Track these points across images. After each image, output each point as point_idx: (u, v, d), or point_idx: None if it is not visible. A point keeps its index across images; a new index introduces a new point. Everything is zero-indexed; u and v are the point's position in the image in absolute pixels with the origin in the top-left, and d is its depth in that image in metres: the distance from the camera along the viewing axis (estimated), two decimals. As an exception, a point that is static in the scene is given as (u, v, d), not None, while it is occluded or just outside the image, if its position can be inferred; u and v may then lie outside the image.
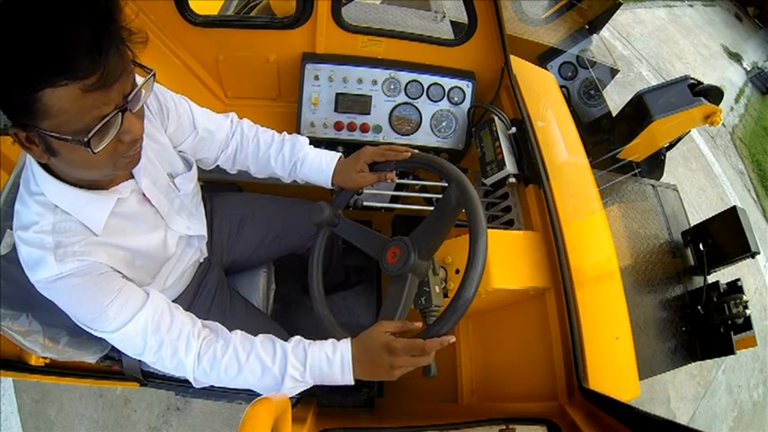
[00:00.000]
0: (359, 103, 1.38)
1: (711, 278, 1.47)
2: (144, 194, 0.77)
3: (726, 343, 1.36)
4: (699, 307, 1.43)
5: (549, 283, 0.96)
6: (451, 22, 1.67)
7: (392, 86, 1.38)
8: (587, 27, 2.00)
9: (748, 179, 3.82)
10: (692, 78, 1.64)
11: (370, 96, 1.38)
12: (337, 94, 1.37)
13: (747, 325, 1.33)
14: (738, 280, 1.38)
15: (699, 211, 3.11)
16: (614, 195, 1.58)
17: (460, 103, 1.39)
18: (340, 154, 0.98)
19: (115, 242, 0.71)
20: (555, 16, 2.01)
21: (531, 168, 1.10)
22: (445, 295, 0.89)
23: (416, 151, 0.92)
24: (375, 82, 1.37)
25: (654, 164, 1.85)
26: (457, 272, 0.93)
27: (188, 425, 1.72)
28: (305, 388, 0.75)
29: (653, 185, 1.69)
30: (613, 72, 1.95)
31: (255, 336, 0.77)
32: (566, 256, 0.94)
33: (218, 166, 1.01)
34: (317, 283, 0.92)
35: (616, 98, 3.22)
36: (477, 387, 1.14)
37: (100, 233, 0.68)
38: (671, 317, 1.44)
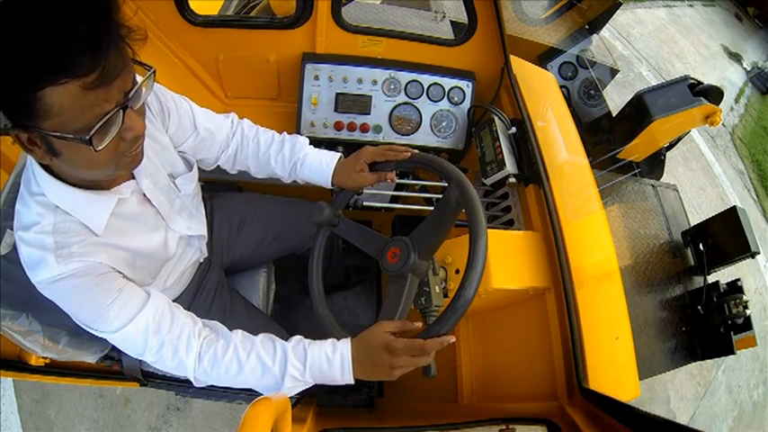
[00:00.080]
0: (359, 103, 1.38)
1: (711, 278, 1.47)
2: (145, 195, 0.77)
3: (726, 343, 1.36)
4: (699, 307, 1.43)
5: (549, 283, 0.96)
6: (451, 22, 1.67)
7: (392, 86, 1.38)
8: (587, 27, 2.00)
9: (748, 179, 3.82)
10: (692, 78, 1.64)
11: (370, 96, 1.38)
12: (337, 94, 1.37)
13: (747, 325, 1.33)
14: (738, 280, 1.38)
15: (699, 211, 3.11)
16: (614, 195, 1.58)
17: (460, 103, 1.39)
18: (340, 154, 0.98)
19: (116, 242, 0.71)
20: (555, 16, 2.01)
21: (531, 168, 1.10)
22: (445, 295, 0.89)
23: (416, 151, 0.92)
24: (375, 82, 1.37)
25: (654, 164, 1.85)
26: (457, 272, 0.93)
27: (188, 425, 1.72)
28: (305, 387, 0.75)
29: (653, 185, 1.69)
30: (613, 72, 1.95)
31: (256, 335, 0.77)
32: (566, 256, 0.94)
33: (218, 166, 1.01)
34: (317, 283, 0.92)
35: (616, 98, 3.22)
36: (477, 387, 1.14)
37: (101, 233, 0.68)
38: (671, 317, 1.44)
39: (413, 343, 0.70)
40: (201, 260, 1.05)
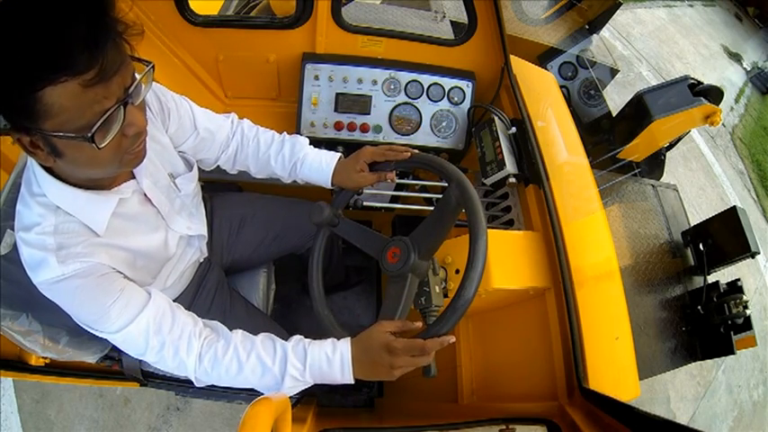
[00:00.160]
0: (359, 103, 1.38)
1: (711, 278, 1.47)
2: (145, 195, 0.77)
3: (726, 343, 1.36)
4: (699, 307, 1.43)
5: (549, 283, 0.96)
6: (451, 22, 1.67)
7: (392, 86, 1.38)
8: (587, 27, 2.00)
9: (748, 179, 3.82)
10: (692, 78, 1.64)
11: (370, 96, 1.38)
12: (337, 94, 1.37)
13: (747, 325, 1.33)
14: (738, 280, 1.38)
15: (699, 211, 3.11)
16: (614, 195, 1.58)
17: (460, 103, 1.39)
18: (340, 154, 0.98)
19: (117, 243, 0.71)
20: (555, 16, 2.01)
21: (531, 168, 1.10)
22: (445, 295, 0.89)
23: (416, 151, 0.92)
24: (375, 82, 1.37)
25: (654, 164, 1.85)
26: (457, 272, 0.93)
27: (188, 425, 1.72)
28: (305, 387, 0.75)
29: (653, 185, 1.69)
30: (613, 72, 1.95)
31: (256, 335, 0.77)
32: (566, 256, 0.94)
33: (218, 166, 1.01)
34: (317, 283, 0.92)
35: (616, 98, 3.22)
36: (477, 387, 1.14)
37: (102, 234, 0.68)
38: (671, 317, 1.44)
39: (413, 343, 0.70)
40: (201, 260, 1.05)
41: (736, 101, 4.62)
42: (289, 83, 1.44)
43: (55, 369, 1.15)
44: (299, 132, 1.39)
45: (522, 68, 1.32)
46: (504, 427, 0.80)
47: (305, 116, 1.38)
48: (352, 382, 0.74)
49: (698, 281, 1.52)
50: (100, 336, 0.69)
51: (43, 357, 1.08)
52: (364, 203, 1.23)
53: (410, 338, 0.72)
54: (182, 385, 1.15)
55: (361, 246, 0.88)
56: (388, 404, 1.49)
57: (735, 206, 1.46)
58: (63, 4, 0.48)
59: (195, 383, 0.75)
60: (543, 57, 1.95)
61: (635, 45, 4.41)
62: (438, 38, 1.37)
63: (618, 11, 2.00)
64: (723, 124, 4.13)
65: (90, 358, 1.04)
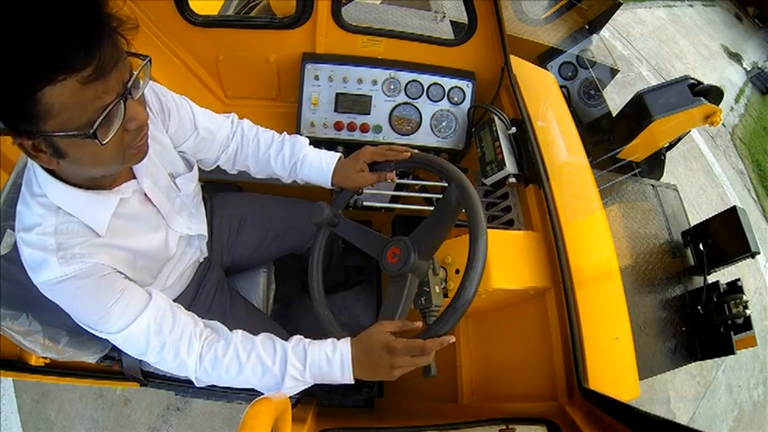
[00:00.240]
0: (359, 103, 1.38)
1: (711, 278, 1.47)
2: (145, 194, 0.77)
3: (726, 343, 1.36)
4: (699, 307, 1.43)
5: (549, 283, 0.96)
6: (451, 22, 1.67)
7: (392, 86, 1.38)
8: (587, 27, 2.00)
9: (748, 179, 3.82)
10: (692, 78, 1.64)
11: (370, 96, 1.38)
12: (337, 94, 1.37)
13: (747, 325, 1.33)
14: (738, 280, 1.38)
15: (699, 211, 3.11)
16: (614, 195, 1.58)
17: (460, 103, 1.39)
18: (340, 154, 0.98)
19: (117, 243, 0.71)
20: (555, 16, 2.01)
21: (531, 168, 1.10)
22: (445, 295, 0.89)
23: (416, 151, 0.92)
24: (375, 82, 1.37)
25: (654, 164, 1.85)
26: (457, 272, 0.93)
27: (188, 425, 1.72)
28: (305, 387, 0.75)
29: (653, 185, 1.69)
30: (613, 72, 1.95)
31: (256, 335, 0.77)
32: (566, 256, 0.94)
33: (218, 166, 1.01)
34: (317, 283, 0.92)
35: (616, 98, 3.22)
36: (477, 387, 1.14)
37: (103, 234, 0.68)
38: (671, 317, 1.44)
39: (413, 343, 0.70)
40: (201, 260, 1.05)
41: (736, 101, 4.62)
42: (289, 83, 1.44)
43: (55, 369, 1.15)
44: (299, 132, 1.39)
45: (522, 68, 1.32)
46: (504, 427, 0.80)
47: (305, 116, 1.38)
48: (352, 382, 0.74)
49: (698, 281, 1.52)
50: (100, 336, 0.69)
51: (43, 357, 1.08)
52: (364, 203, 1.23)
53: (410, 338, 0.72)
54: (182, 385, 1.15)
55: (361, 246, 0.88)
56: (388, 404, 1.49)
57: (735, 206, 1.46)
58: (56, 1, 0.47)
59: (196, 383, 0.75)
60: (543, 57, 1.95)
61: (635, 45, 4.41)
62: (438, 38, 1.37)
63: (618, 11, 2.00)
64: (723, 124, 4.13)
65: (90, 358, 1.04)
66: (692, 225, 1.63)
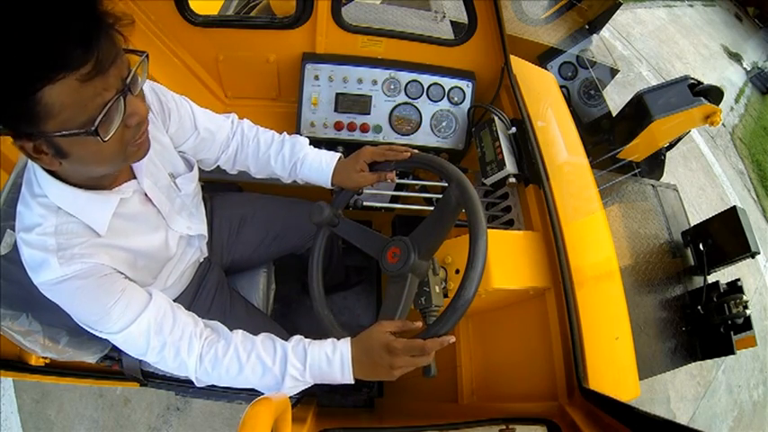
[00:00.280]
0: (359, 103, 1.38)
1: (711, 278, 1.47)
2: (146, 194, 0.77)
3: (726, 343, 1.36)
4: (699, 307, 1.43)
5: (549, 283, 0.96)
6: (451, 22, 1.67)
7: (392, 86, 1.38)
8: (587, 27, 2.00)
9: (748, 179, 3.82)
10: (692, 78, 1.64)
11: (370, 96, 1.38)
12: (337, 94, 1.37)
13: (747, 325, 1.33)
14: (738, 280, 1.38)
15: (699, 211, 3.11)
16: (614, 195, 1.58)
17: (460, 103, 1.39)
18: (340, 154, 0.98)
19: (118, 243, 0.71)
20: (555, 16, 2.01)
21: (531, 168, 1.10)
22: (445, 295, 0.89)
23: (416, 151, 0.92)
24: (375, 82, 1.37)
25: (654, 164, 1.85)
26: (457, 272, 0.93)
27: (188, 425, 1.72)
28: (305, 387, 0.75)
29: (653, 185, 1.69)
30: (613, 72, 1.95)
31: (256, 335, 0.77)
32: (566, 256, 0.94)
33: (218, 166, 1.01)
34: (317, 283, 0.92)
35: (616, 98, 3.22)
36: (477, 387, 1.14)
37: (104, 234, 0.68)
38: (671, 317, 1.44)
39: (413, 343, 0.70)
40: (201, 260, 1.05)
41: (736, 101, 4.62)
42: (289, 83, 1.44)
43: (55, 369, 1.15)
44: (298, 132, 1.39)
45: (522, 68, 1.32)
46: (504, 427, 0.80)
47: (305, 116, 1.38)
48: (352, 382, 0.74)
49: (698, 281, 1.52)
50: (101, 336, 0.69)
51: (43, 357, 1.08)
52: (364, 203, 1.23)
53: (410, 338, 0.72)
54: (182, 385, 1.15)
55: (361, 246, 0.88)
56: (388, 404, 1.49)
57: (735, 206, 1.46)
58: (52, 1, 0.47)
59: (196, 384, 0.75)
60: (543, 57, 1.95)
61: (635, 45, 4.41)
62: (438, 38, 1.37)
63: (618, 11, 2.00)
64: (723, 124, 4.13)
65: (90, 358, 1.04)
66: (691, 225, 1.63)
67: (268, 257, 1.26)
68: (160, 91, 0.81)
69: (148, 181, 0.77)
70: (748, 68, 5.09)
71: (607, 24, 2.04)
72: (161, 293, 0.74)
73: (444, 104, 1.39)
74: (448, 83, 1.38)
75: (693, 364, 1.46)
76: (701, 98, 1.58)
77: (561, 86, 1.74)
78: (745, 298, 1.33)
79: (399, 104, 1.39)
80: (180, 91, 0.87)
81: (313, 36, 1.33)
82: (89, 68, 0.50)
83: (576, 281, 0.92)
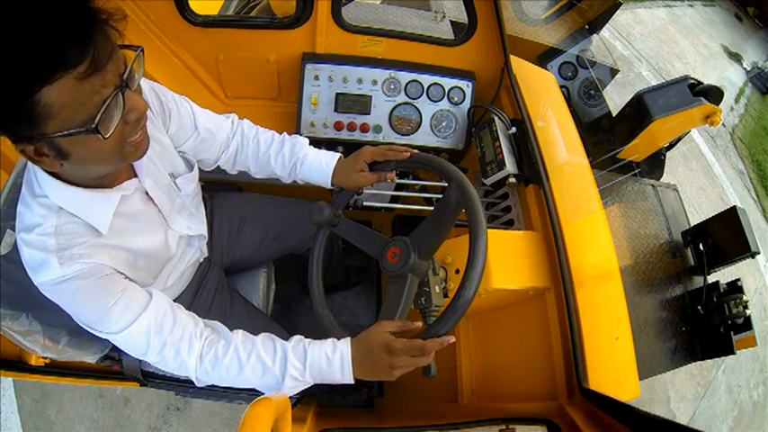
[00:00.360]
0: (359, 103, 1.38)
1: (711, 278, 1.47)
2: (147, 193, 0.77)
3: (726, 343, 1.36)
4: (699, 307, 1.43)
5: (549, 283, 0.96)
6: (451, 22, 1.67)
7: (392, 86, 1.38)
8: (587, 27, 2.00)
9: (748, 179, 3.82)
10: (692, 78, 1.64)
11: (370, 96, 1.38)
12: (337, 94, 1.37)
13: (747, 325, 1.33)
14: (738, 280, 1.38)
15: (699, 211, 3.11)
16: (614, 195, 1.58)
17: (460, 103, 1.39)
18: (340, 154, 0.98)
19: (118, 243, 0.71)
20: (555, 16, 2.01)
21: (531, 168, 1.10)
22: (445, 295, 0.89)
23: (416, 151, 0.92)
24: (375, 82, 1.37)
25: (654, 164, 1.85)
26: (457, 272, 0.93)
27: (188, 425, 1.72)
28: (305, 387, 0.75)
29: (653, 185, 1.69)
30: (613, 72, 1.95)
31: (256, 335, 0.77)
32: (566, 256, 0.94)
33: (218, 166, 1.01)
34: (317, 283, 0.92)
35: (616, 98, 3.22)
36: (477, 387, 1.14)
37: (105, 232, 0.68)
38: (671, 317, 1.44)
39: (412, 343, 0.70)
40: (201, 260, 1.05)
41: (736, 101, 4.62)
42: (289, 83, 1.44)
43: (55, 369, 1.15)
44: (298, 132, 1.39)
45: (522, 68, 1.32)
46: (504, 427, 0.80)
47: (305, 116, 1.38)
48: (352, 382, 0.74)
49: (698, 281, 1.52)
50: (101, 336, 0.69)
51: (43, 357, 1.08)
52: (364, 203, 1.23)
53: (410, 338, 0.72)
54: (182, 385, 1.15)
55: (361, 246, 0.88)
56: (388, 404, 1.49)
57: (735, 206, 1.46)
58: (45, 1, 0.47)
59: (196, 383, 0.75)
60: (543, 57, 1.95)
61: (635, 45, 4.41)
62: (438, 38, 1.37)
63: (618, 11, 2.00)
64: (723, 124, 4.13)
65: (90, 358, 1.04)
66: (691, 225, 1.63)
67: (268, 257, 1.26)
68: (160, 91, 0.81)
69: (149, 180, 0.77)
70: (748, 68, 5.09)
71: (607, 24, 2.04)
72: (161, 293, 0.74)
73: (444, 104, 1.39)
74: (448, 83, 1.38)
75: (693, 364, 1.46)
76: (701, 98, 1.58)
77: (561, 86, 1.74)
78: (745, 298, 1.33)
79: (399, 104, 1.39)
80: (180, 91, 0.87)
81: (313, 36, 1.33)
82: (86, 66, 0.50)
83: (576, 281, 0.92)
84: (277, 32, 1.32)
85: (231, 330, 0.77)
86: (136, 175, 0.75)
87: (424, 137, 1.41)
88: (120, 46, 0.56)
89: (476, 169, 1.25)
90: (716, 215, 1.51)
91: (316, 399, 1.20)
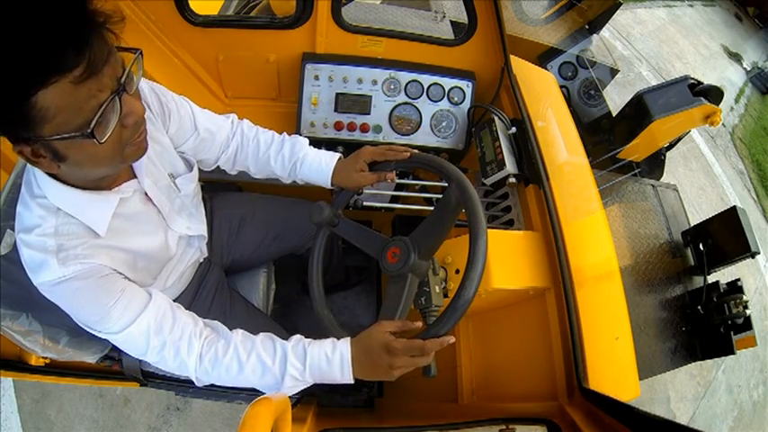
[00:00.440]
0: (359, 103, 1.38)
1: (711, 278, 1.47)
2: (146, 194, 0.77)
3: (726, 343, 1.36)
4: (699, 307, 1.43)
5: (549, 283, 0.96)
6: (451, 22, 1.67)
7: (392, 86, 1.38)
8: (587, 27, 2.00)
9: (748, 179, 3.82)
10: (692, 78, 1.64)
11: (370, 96, 1.38)
12: (337, 94, 1.37)
13: (747, 325, 1.33)
14: (738, 280, 1.38)
15: (699, 211, 3.11)
16: (614, 195, 1.58)
17: (460, 103, 1.39)
18: (339, 154, 0.98)
19: (117, 244, 0.71)
20: (555, 16, 2.01)
21: (531, 168, 1.10)
22: (445, 295, 0.89)
23: (416, 151, 0.92)
24: (375, 82, 1.37)
25: (654, 164, 1.85)
26: (457, 272, 0.93)
27: (188, 425, 1.72)
28: (305, 387, 0.76)
29: (653, 185, 1.69)
30: (613, 72, 1.95)
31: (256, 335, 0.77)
32: (566, 256, 0.94)
33: (218, 166, 1.01)
34: (317, 283, 0.92)
35: (616, 98, 3.22)
36: (477, 387, 1.14)
37: (103, 234, 0.68)
38: (671, 317, 1.44)
39: (412, 343, 0.70)
40: (201, 260, 1.05)
41: (736, 101, 4.62)
42: (289, 83, 1.44)
43: (55, 369, 1.15)
44: (298, 132, 1.39)
45: (522, 68, 1.32)
46: (504, 427, 0.80)
47: (305, 116, 1.38)
48: (352, 382, 0.74)
49: (698, 281, 1.52)
50: (101, 337, 0.69)
51: (43, 357, 1.08)
52: (364, 203, 1.23)
53: (410, 339, 0.72)
54: (182, 385, 1.15)
55: (361, 246, 0.88)
56: (388, 404, 1.49)
57: (735, 206, 1.46)
58: (40, 3, 0.46)
59: (196, 383, 0.75)
60: (543, 57, 1.95)
61: (635, 45, 4.41)
62: (438, 38, 1.37)
63: (618, 11, 2.00)
64: (723, 124, 4.13)
65: (90, 358, 1.04)
66: (691, 225, 1.63)
67: (268, 257, 1.26)
68: (160, 91, 0.81)
69: (149, 180, 0.77)
70: (748, 68, 5.09)
71: (607, 24, 2.04)
72: (161, 293, 0.74)
73: (444, 104, 1.39)
74: (448, 83, 1.38)
75: (693, 364, 1.46)
76: (701, 98, 1.58)
77: (561, 86, 1.74)
78: (745, 298, 1.33)
79: (399, 104, 1.39)
80: (180, 91, 0.87)
81: (313, 36, 1.33)
82: (82, 70, 0.49)
83: (576, 281, 0.92)
84: (277, 32, 1.32)
85: (231, 330, 0.77)
86: (135, 176, 0.75)
87: (424, 137, 1.41)
88: (118, 48, 0.55)
89: (476, 169, 1.25)
90: (716, 215, 1.51)
91: (316, 399, 1.20)
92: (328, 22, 1.30)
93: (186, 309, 0.77)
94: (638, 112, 1.62)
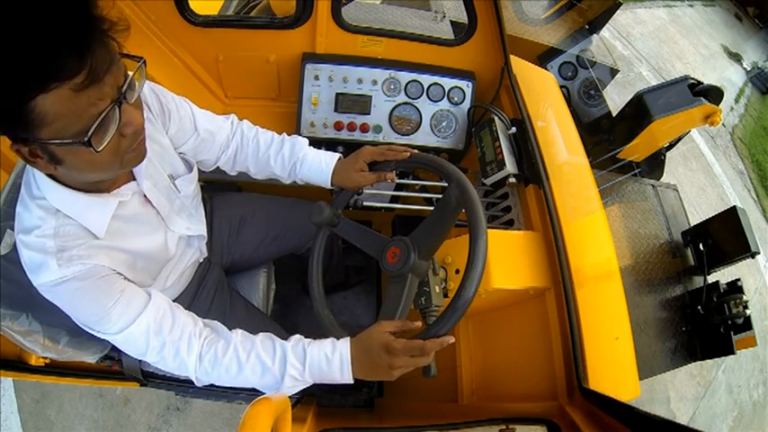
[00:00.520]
0: (359, 103, 1.38)
1: (711, 278, 1.47)
2: (145, 196, 0.77)
3: (726, 343, 1.36)
4: (699, 307, 1.43)
5: (549, 283, 0.96)
6: (451, 22, 1.67)
7: (392, 86, 1.38)
8: (587, 27, 2.00)
9: (748, 179, 3.82)
10: (692, 78, 1.64)
11: (370, 96, 1.38)
12: (337, 94, 1.37)
13: (747, 325, 1.33)
14: (738, 280, 1.38)
15: (699, 211, 3.11)
16: (614, 195, 1.58)
17: (460, 103, 1.39)
18: (339, 154, 0.98)
19: (117, 245, 0.71)
20: (555, 16, 2.01)
21: (531, 168, 1.10)
22: (445, 295, 0.89)
23: (416, 151, 0.92)
24: (375, 82, 1.37)
25: (654, 164, 1.85)
26: (457, 272, 0.93)
27: (188, 425, 1.72)
28: (305, 387, 0.75)
29: (653, 185, 1.69)
30: (613, 72, 1.95)
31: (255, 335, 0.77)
32: (566, 256, 0.94)
33: (217, 166, 1.01)
34: (317, 283, 0.92)
35: (616, 98, 3.22)
36: (477, 387, 1.14)
37: (102, 237, 0.68)
38: (671, 317, 1.44)
39: (412, 343, 0.70)
40: (201, 260, 1.05)
41: (736, 101, 4.62)
42: (289, 83, 1.44)
43: (55, 369, 1.15)
44: (298, 132, 1.39)
45: (522, 68, 1.32)
46: (504, 427, 0.80)
47: (305, 116, 1.38)
48: (352, 382, 0.74)
49: (698, 281, 1.52)
50: (100, 337, 0.69)
51: (43, 357, 1.08)
52: (364, 203, 1.23)
53: (410, 339, 0.72)
54: (182, 385, 1.15)
55: (361, 246, 0.88)
56: (388, 404, 1.49)
57: (735, 206, 1.46)
58: (44, 7, 0.45)
59: (196, 383, 0.75)
60: (543, 57, 1.95)
61: (635, 45, 4.41)
62: (438, 38, 1.37)
63: (618, 11, 2.00)
64: (723, 124, 4.13)
65: (90, 358, 1.04)
66: (692, 225, 1.63)
67: (268, 257, 1.26)
68: (160, 92, 0.81)
69: (148, 182, 0.77)
70: (748, 68, 5.10)
71: (607, 24, 2.04)
72: (160, 294, 0.74)
73: (444, 104, 1.39)
74: (448, 83, 1.38)
75: (693, 364, 1.46)
76: (701, 98, 1.58)
77: (561, 86, 1.74)
78: (745, 298, 1.33)
79: (399, 104, 1.39)
80: (180, 91, 0.87)
81: (313, 36, 1.33)
82: (83, 78, 0.49)
83: (576, 281, 0.92)
84: (277, 32, 1.32)
85: (231, 330, 0.77)
86: (134, 179, 0.75)
87: (424, 137, 1.41)
88: (121, 55, 0.55)
89: (476, 169, 1.25)
90: (716, 215, 1.51)
91: (316, 399, 1.20)
92: (328, 22, 1.30)
93: (186, 309, 0.77)
94: (638, 112, 1.62)
